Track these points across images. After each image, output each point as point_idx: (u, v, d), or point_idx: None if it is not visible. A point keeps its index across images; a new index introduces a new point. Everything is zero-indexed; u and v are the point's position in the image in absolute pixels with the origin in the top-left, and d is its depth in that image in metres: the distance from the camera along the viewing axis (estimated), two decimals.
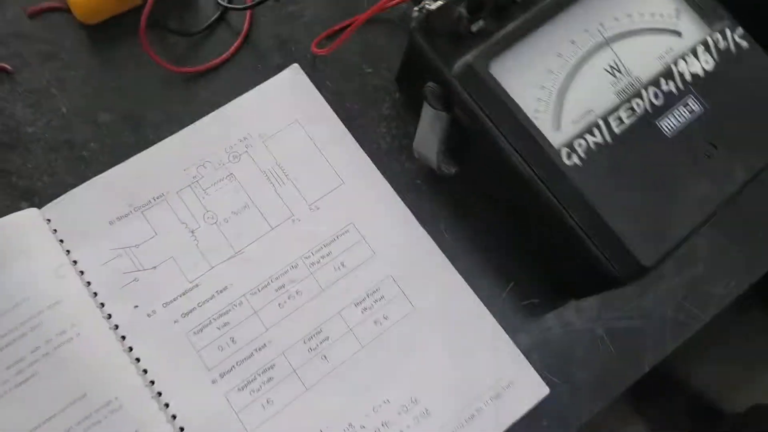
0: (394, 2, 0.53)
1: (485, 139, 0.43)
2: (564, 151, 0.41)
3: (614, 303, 0.51)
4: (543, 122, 0.43)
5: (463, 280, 0.49)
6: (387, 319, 0.48)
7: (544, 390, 0.48)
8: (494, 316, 0.48)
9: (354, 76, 0.55)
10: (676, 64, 0.45)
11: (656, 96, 0.44)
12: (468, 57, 0.43)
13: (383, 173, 0.52)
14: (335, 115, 0.53)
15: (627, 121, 0.43)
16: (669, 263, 0.51)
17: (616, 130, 0.42)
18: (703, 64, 0.45)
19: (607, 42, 0.45)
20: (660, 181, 0.42)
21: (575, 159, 0.41)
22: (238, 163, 0.51)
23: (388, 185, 0.52)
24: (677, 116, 0.43)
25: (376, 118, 0.54)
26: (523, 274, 0.51)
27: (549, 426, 0.48)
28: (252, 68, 0.54)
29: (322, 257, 0.49)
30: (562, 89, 0.44)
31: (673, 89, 0.44)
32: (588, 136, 0.42)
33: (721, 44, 0.46)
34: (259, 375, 0.46)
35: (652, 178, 0.42)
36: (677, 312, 0.52)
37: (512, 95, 0.43)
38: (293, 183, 0.51)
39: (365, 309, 0.48)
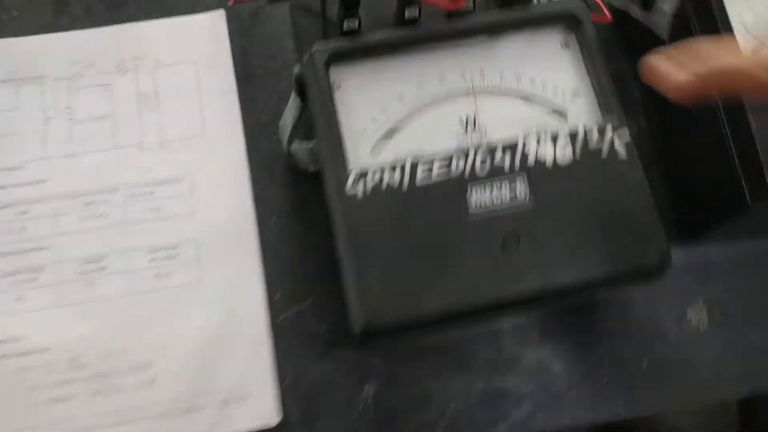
0: None
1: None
2: (353, 176, 0.37)
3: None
4: (361, 143, 0.39)
5: (262, 278, 0.46)
6: (169, 278, 0.47)
7: (274, 418, 0.44)
8: (272, 327, 0.46)
9: (273, 44, 0.53)
10: (530, 138, 0.39)
11: (483, 163, 0.38)
12: (316, 48, 0.40)
13: (248, 145, 0.50)
14: (232, 72, 0.52)
15: (435, 177, 0.38)
16: None
17: (418, 181, 0.38)
18: (558, 152, 0.38)
19: (475, 93, 0.40)
20: (434, 251, 0.37)
21: (358, 189, 0.37)
22: (122, 77, 0.52)
23: (245, 158, 0.50)
24: (492, 194, 0.38)
25: (270, 91, 0.52)
26: (324, 296, 0.47)
27: None
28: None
29: (143, 194, 0.49)
30: (403, 119, 0.40)
31: (506, 165, 0.38)
32: (386, 174, 0.38)
33: (593, 142, 0.39)
34: (27, 272, 0.47)
35: (427, 245, 0.37)
36: None
37: (340, 103, 0.40)
38: (159, 114, 0.51)
39: (154, 260, 0.47)
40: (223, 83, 0.52)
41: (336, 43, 0.40)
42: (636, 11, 0.49)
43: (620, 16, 0.52)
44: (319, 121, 0.38)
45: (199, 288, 0.47)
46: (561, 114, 0.41)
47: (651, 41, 0.47)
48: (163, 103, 0.51)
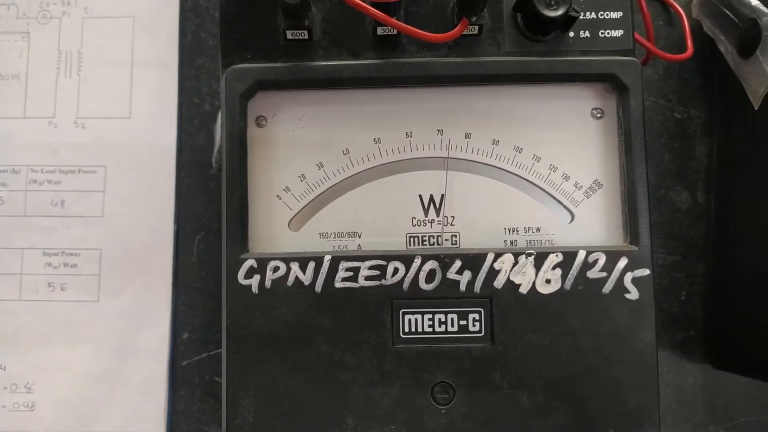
0: None
1: None
2: (249, 263, 0.27)
3: None
4: (277, 209, 0.29)
5: (171, 311, 0.39)
6: (63, 291, 0.39)
7: None
8: (172, 371, 0.39)
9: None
10: (505, 257, 0.27)
11: (431, 275, 0.27)
12: (232, 70, 0.28)
13: (181, 140, 0.40)
14: (177, 39, 0.41)
15: (361, 283, 0.27)
16: None
17: (337, 283, 0.27)
18: (541, 279, 0.27)
19: (448, 165, 0.28)
20: (340, 384, 0.27)
21: (254, 282, 0.27)
22: (44, 26, 0.41)
23: (174, 155, 0.40)
24: (434, 320, 0.27)
25: (218, 76, 0.41)
26: None
27: None
28: None
29: (49, 181, 0.40)
30: (342, 183, 0.29)
31: (463, 284, 0.27)
32: (294, 268, 0.27)
33: (594, 270, 0.27)
34: None
35: (332, 373, 0.27)
36: None
37: (257, 145, 0.29)
38: (79, 83, 0.40)
39: (49, 265, 0.39)
40: (163, 52, 0.41)
41: (264, 67, 0.28)
42: (730, 54, 0.35)
43: (705, 50, 0.38)
44: (224, 168, 0.28)
45: (96, 311, 0.39)
46: (566, 211, 0.29)
47: (738, 93, 0.34)
48: (87, 68, 0.41)
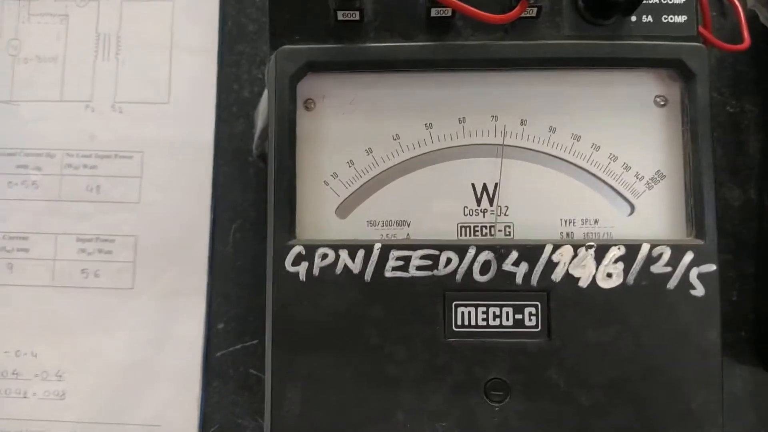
0: None
1: None
2: (297, 249, 0.26)
3: None
4: (324, 196, 0.28)
5: (206, 300, 0.38)
6: (97, 278, 0.39)
7: None
8: (207, 362, 0.38)
9: None
10: (564, 248, 0.26)
11: (485, 266, 0.26)
12: (281, 51, 0.27)
13: (219, 127, 0.39)
14: (217, 23, 0.40)
15: (412, 272, 0.26)
16: None
17: (387, 273, 0.26)
18: (602, 272, 0.26)
19: (504, 152, 0.27)
20: (388, 378, 0.26)
21: (301, 270, 0.26)
22: (82, 8, 0.41)
23: (212, 142, 0.39)
24: (488, 313, 0.26)
25: (264, 57, 0.40)
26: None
27: None
28: None
29: (85, 166, 0.39)
30: (391, 170, 0.28)
31: (520, 276, 0.26)
32: (343, 256, 0.26)
33: (659, 265, 0.26)
34: None
35: (380, 366, 0.26)
36: None
37: (307, 129, 0.28)
38: (118, 65, 0.40)
39: (83, 251, 0.39)
40: (203, 37, 0.40)
41: (315, 48, 0.27)
42: None
43: (760, 43, 0.36)
44: (272, 152, 0.27)
45: (131, 298, 0.38)
46: (626, 203, 0.28)
47: None
48: (125, 51, 0.40)
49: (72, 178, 0.39)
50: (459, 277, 0.26)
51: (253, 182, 0.39)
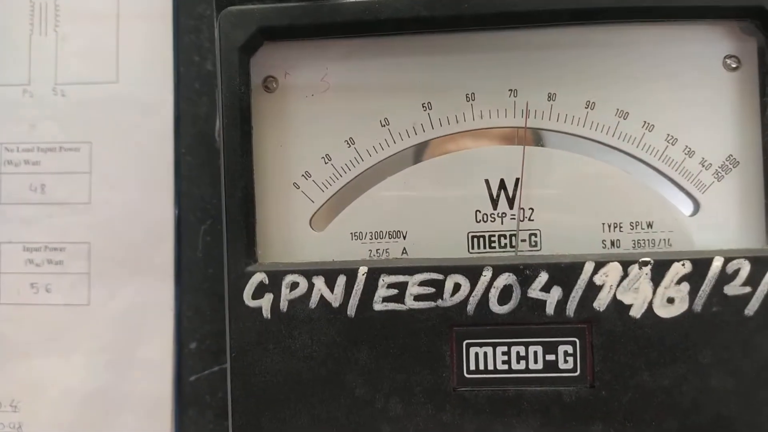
0: None
1: None
2: (258, 278, 0.20)
3: None
4: (294, 204, 0.21)
5: (174, 316, 0.33)
6: (49, 293, 0.34)
7: None
8: (178, 387, 0.33)
9: None
10: (611, 267, 0.20)
11: (504, 293, 0.20)
12: (229, 12, 0.21)
13: (180, 108, 0.33)
14: None
15: (408, 305, 0.20)
16: None
17: (376, 306, 0.20)
18: (660, 298, 0.19)
19: (527, 135, 0.21)
20: None
21: (265, 304, 0.20)
22: None
23: (171, 127, 0.33)
24: (511, 354, 0.20)
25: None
26: None
27: None
28: None
29: (26, 161, 0.34)
30: (382, 169, 0.22)
31: (551, 304, 0.20)
32: (323, 282, 0.20)
33: (735, 283, 0.19)
34: None
35: (369, 424, 0.20)
36: None
37: (264, 117, 0.21)
38: (57, 41, 0.34)
39: (31, 261, 0.33)
40: (154, 1, 0.34)
41: (271, 8, 0.20)
42: None
43: None
44: (222, 149, 0.21)
45: (87, 316, 0.33)
46: (689, 199, 0.21)
47: None
48: (65, 24, 0.34)
49: (13, 176, 0.34)
50: (471, 308, 0.20)
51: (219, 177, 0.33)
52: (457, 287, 0.20)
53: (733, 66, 0.22)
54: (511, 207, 0.21)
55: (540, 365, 0.20)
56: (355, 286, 0.20)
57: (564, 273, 0.20)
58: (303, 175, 0.22)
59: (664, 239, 0.21)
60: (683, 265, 0.20)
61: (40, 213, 0.34)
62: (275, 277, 0.20)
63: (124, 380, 0.33)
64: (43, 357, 0.33)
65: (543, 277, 0.20)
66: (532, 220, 0.22)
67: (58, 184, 0.34)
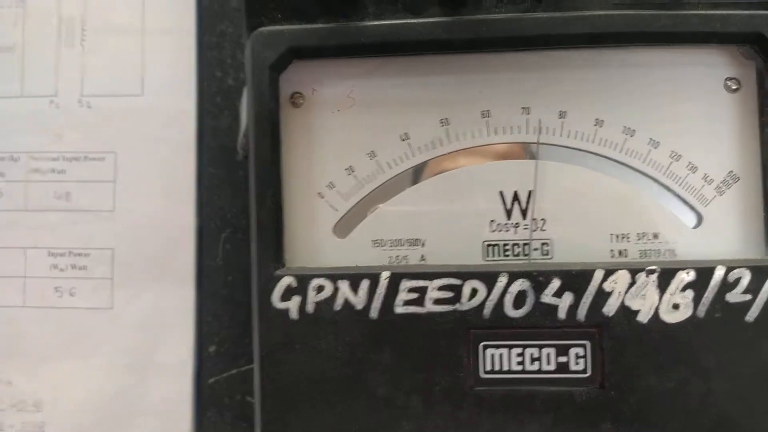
0: None
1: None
2: (287, 281, 0.21)
3: None
4: (318, 212, 0.23)
5: (194, 321, 0.34)
6: (73, 297, 0.34)
7: None
8: (198, 389, 0.34)
9: None
10: (620, 274, 0.21)
11: (520, 298, 0.21)
12: (260, 33, 0.22)
13: (202, 121, 0.34)
14: (195, 7, 0.35)
15: (428, 308, 0.21)
16: None
17: (397, 309, 0.21)
18: (668, 301, 0.21)
19: (539, 152, 0.22)
20: None
21: (292, 306, 0.22)
22: None
23: (194, 139, 0.34)
24: (525, 356, 0.21)
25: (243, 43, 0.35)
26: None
27: None
28: None
29: (53, 170, 0.35)
30: (402, 180, 0.23)
31: (563, 309, 0.21)
32: (342, 288, 0.21)
33: (737, 291, 0.21)
34: None
35: (391, 422, 0.21)
36: None
37: (293, 131, 0.22)
38: (84, 54, 0.35)
39: (56, 266, 0.34)
40: (179, 17, 0.35)
41: (300, 29, 0.22)
42: None
43: None
44: (252, 161, 0.22)
45: (109, 320, 0.34)
46: (692, 212, 0.22)
47: None
48: (91, 37, 0.35)
49: (39, 184, 0.35)
50: (487, 312, 0.21)
51: (244, 184, 0.34)
52: (474, 292, 0.21)
53: (734, 87, 0.23)
54: (524, 218, 0.23)
55: (553, 366, 0.21)
56: (378, 289, 0.21)
57: (575, 280, 0.21)
58: (327, 186, 0.23)
59: (669, 249, 0.23)
60: (688, 273, 0.21)
61: (65, 220, 0.35)
62: (302, 281, 0.22)
63: (145, 382, 0.34)
64: (67, 359, 0.34)
65: (555, 284, 0.21)
66: (544, 230, 0.23)
67: (83, 192, 0.35)
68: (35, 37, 0.36)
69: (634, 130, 0.23)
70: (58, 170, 0.35)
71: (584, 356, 0.21)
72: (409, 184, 0.23)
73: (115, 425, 0.34)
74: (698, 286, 0.21)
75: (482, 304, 0.21)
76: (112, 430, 0.34)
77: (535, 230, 0.23)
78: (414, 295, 0.21)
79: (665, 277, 0.21)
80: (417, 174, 0.23)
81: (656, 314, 0.21)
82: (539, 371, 0.21)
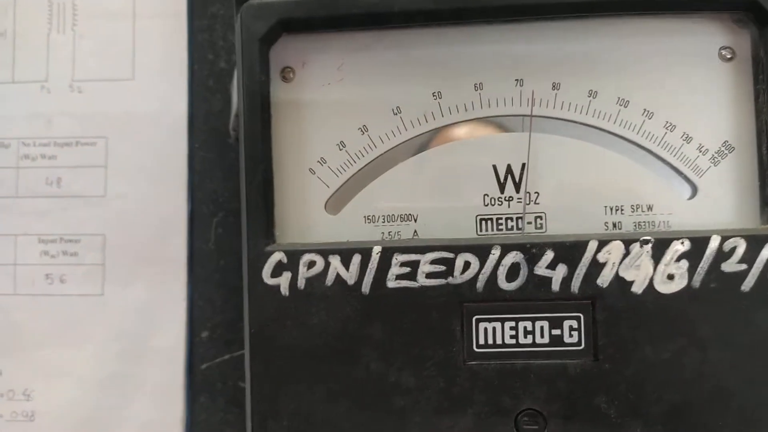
0: None
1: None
2: (277, 257, 0.21)
3: None
4: (309, 188, 0.22)
5: (186, 306, 0.34)
6: (63, 284, 0.34)
7: None
8: (190, 375, 0.34)
9: None
10: (613, 244, 0.21)
11: (513, 270, 0.21)
12: (249, 4, 0.22)
13: (193, 105, 0.34)
14: None
15: (420, 282, 0.21)
16: None
17: (389, 283, 0.21)
18: (660, 274, 0.20)
19: (532, 124, 0.22)
20: (394, 410, 0.21)
21: (283, 282, 0.21)
22: None
23: (185, 123, 0.34)
24: (518, 329, 0.21)
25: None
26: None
27: None
28: None
29: (43, 156, 0.34)
30: (394, 155, 0.23)
31: (557, 281, 0.21)
32: (334, 263, 0.21)
33: (733, 260, 0.20)
34: None
35: (384, 398, 0.21)
36: None
37: (283, 107, 0.22)
38: (74, 40, 0.35)
39: (46, 253, 0.34)
40: (170, 1, 0.35)
41: (290, 1, 0.21)
42: None
43: None
44: (242, 136, 0.22)
45: (101, 306, 0.34)
46: (687, 183, 0.22)
47: None
48: (82, 22, 0.35)
49: (29, 170, 0.34)
50: (480, 285, 0.21)
51: (235, 168, 0.34)
52: (467, 265, 0.21)
53: (728, 57, 0.23)
54: (517, 191, 0.22)
55: (546, 339, 0.21)
56: (370, 264, 0.21)
57: (569, 251, 0.21)
58: (318, 161, 0.23)
59: (664, 221, 0.22)
60: (682, 243, 0.21)
61: (56, 206, 0.34)
62: (293, 256, 0.21)
63: (137, 368, 0.34)
64: (57, 346, 0.34)
65: (549, 255, 0.21)
66: (538, 203, 0.23)
67: (74, 178, 0.35)
68: (26, 22, 0.35)
69: (628, 101, 0.22)
70: (49, 156, 0.35)
71: (578, 329, 0.21)
72: (402, 159, 0.23)
73: (106, 412, 0.34)
74: (693, 256, 0.21)
75: (475, 278, 0.21)
76: (104, 417, 0.34)
77: (528, 203, 0.22)
78: (406, 269, 0.21)
79: (660, 247, 0.21)
80: (409, 148, 0.23)
81: (651, 285, 0.21)
82: (533, 344, 0.21)
